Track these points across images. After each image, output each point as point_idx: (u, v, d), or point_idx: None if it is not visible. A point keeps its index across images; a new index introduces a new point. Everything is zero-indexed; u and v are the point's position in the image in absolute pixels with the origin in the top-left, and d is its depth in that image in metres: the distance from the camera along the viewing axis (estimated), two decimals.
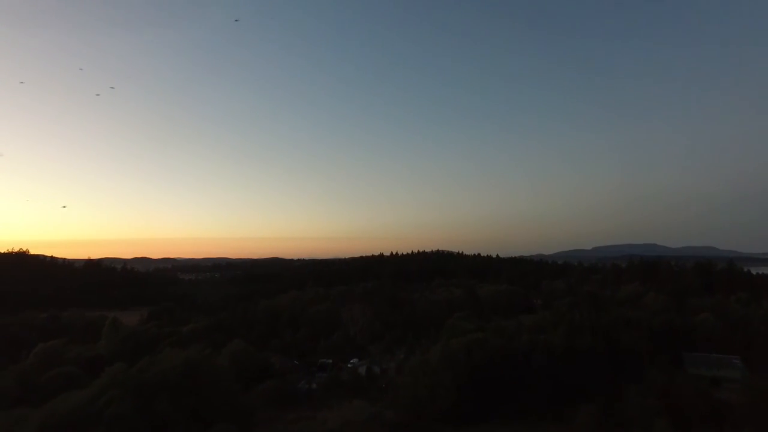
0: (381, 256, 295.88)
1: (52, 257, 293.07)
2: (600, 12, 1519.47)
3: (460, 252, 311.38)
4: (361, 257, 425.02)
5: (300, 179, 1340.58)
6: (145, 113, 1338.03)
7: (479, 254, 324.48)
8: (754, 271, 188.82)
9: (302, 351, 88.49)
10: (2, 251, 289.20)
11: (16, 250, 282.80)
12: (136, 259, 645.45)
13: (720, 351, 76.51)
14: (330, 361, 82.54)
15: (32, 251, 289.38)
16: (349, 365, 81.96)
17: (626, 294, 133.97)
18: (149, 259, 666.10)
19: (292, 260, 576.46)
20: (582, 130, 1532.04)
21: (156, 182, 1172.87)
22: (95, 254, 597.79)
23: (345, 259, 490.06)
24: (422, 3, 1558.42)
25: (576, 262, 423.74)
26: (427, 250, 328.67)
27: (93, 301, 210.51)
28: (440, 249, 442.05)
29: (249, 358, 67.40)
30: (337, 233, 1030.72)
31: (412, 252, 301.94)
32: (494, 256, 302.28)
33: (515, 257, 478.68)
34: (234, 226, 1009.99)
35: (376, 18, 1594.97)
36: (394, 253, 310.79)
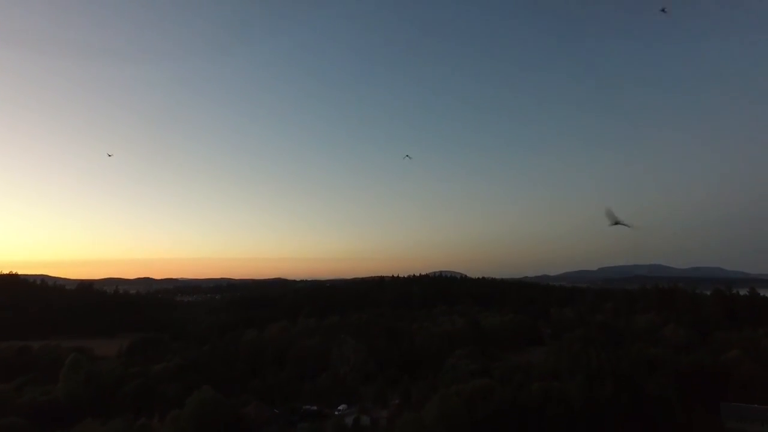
0: (381, 279, 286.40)
1: (42, 280, 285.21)
2: (613, 30, 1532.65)
3: (464, 275, 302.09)
4: (363, 279, 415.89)
5: (305, 200, 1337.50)
6: (149, 135, 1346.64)
7: (483, 277, 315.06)
8: (761, 293, 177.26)
9: (286, 394, 79.05)
10: None
11: (5, 272, 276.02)
12: (139, 280, 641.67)
13: (761, 399, 66.60)
14: (315, 407, 73.14)
15: (37, 272, 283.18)
16: (336, 413, 72.49)
17: (642, 325, 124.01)
18: (152, 279, 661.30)
19: (294, 281, 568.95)
20: (588, 150, 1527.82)
21: (163, 203, 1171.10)
22: (99, 275, 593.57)
23: (347, 280, 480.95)
24: (420, 17, 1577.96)
25: (583, 285, 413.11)
26: (431, 271, 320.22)
27: (80, 327, 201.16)
28: (444, 270, 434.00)
29: (217, 409, 58.07)
30: (340, 254, 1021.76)
31: (414, 275, 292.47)
32: (498, 278, 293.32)
33: (520, 279, 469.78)
34: (238, 246, 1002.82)
35: (378, 34, 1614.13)
36: (395, 275, 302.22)
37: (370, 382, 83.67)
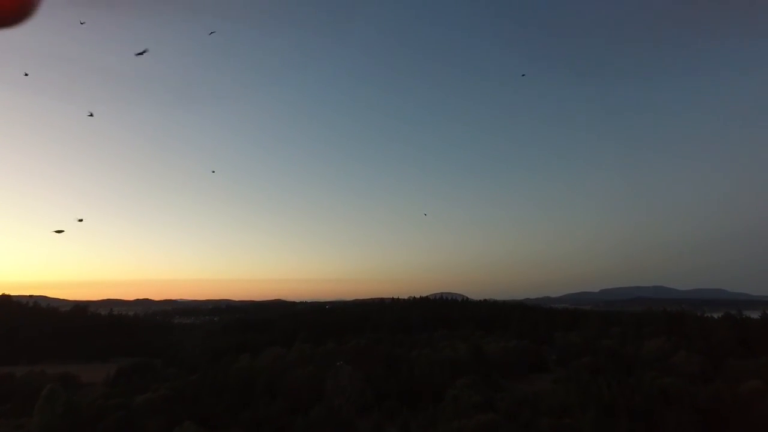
0: (381, 302, 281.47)
1: (35, 301, 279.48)
2: (620, 47, 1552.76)
3: (465, 297, 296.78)
4: (363, 301, 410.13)
5: (306, 220, 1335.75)
6: (147, 155, 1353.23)
7: (485, 299, 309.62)
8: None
9: (277, 427, 74.14)
10: None
11: None
12: (138, 301, 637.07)
13: None
14: None
15: (34, 293, 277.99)
16: None
17: (652, 351, 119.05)
18: (151, 300, 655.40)
19: (294, 302, 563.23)
20: (590, 172, 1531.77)
21: (162, 223, 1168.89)
22: (97, 296, 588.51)
23: (347, 301, 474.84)
24: (423, 35, 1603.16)
25: (586, 306, 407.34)
26: (431, 293, 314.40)
27: (71, 352, 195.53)
28: (445, 291, 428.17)
29: None
30: (341, 275, 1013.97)
31: (414, 297, 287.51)
32: (500, 300, 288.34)
33: (521, 301, 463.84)
34: (238, 267, 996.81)
35: (378, 59, 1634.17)
36: (395, 297, 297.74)
37: (367, 414, 78.84)
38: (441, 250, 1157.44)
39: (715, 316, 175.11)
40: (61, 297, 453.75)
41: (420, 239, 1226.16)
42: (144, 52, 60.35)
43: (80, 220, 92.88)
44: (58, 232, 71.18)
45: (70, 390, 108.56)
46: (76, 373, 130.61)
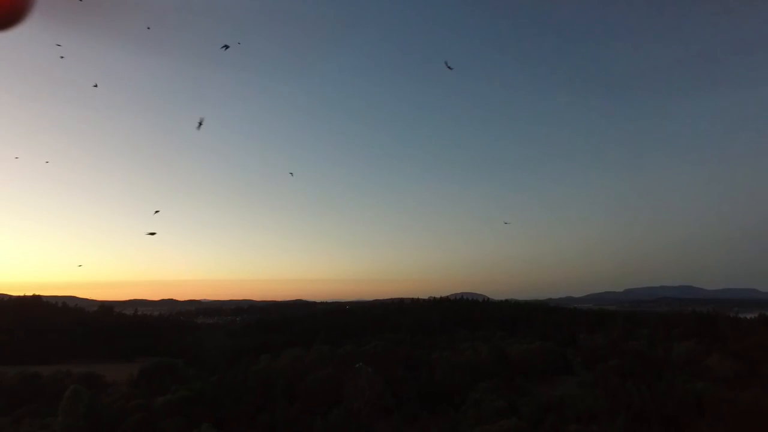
0: (401, 302, 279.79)
1: (64, 302, 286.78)
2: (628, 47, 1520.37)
3: (486, 298, 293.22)
4: (383, 301, 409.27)
5: (326, 220, 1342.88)
6: (172, 159, 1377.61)
7: (507, 300, 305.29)
8: None
9: (294, 431, 73.36)
10: (14, 295, 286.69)
11: (29, 294, 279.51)
12: (163, 301, 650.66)
13: None
14: None
15: (64, 293, 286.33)
16: None
17: (682, 354, 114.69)
18: (176, 300, 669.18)
19: (315, 302, 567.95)
20: (611, 170, 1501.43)
21: (185, 226, 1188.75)
22: (124, 296, 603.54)
23: (367, 301, 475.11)
24: (432, 42, 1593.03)
25: (610, 307, 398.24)
26: (452, 293, 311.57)
27: (97, 351, 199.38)
28: (465, 292, 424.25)
29: None
30: (361, 274, 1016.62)
31: (434, 298, 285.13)
32: (522, 300, 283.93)
33: (543, 301, 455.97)
34: (260, 268, 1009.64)
35: (407, 56, 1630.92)
36: (415, 298, 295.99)
37: (386, 418, 77.39)
38: (461, 249, 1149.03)
39: (749, 317, 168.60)
40: (90, 297, 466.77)
41: (440, 238, 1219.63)
42: (227, 47, 59.49)
43: (156, 212, 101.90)
44: (151, 234, 71.35)
45: (94, 390, 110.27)
46: (101, 373, 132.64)
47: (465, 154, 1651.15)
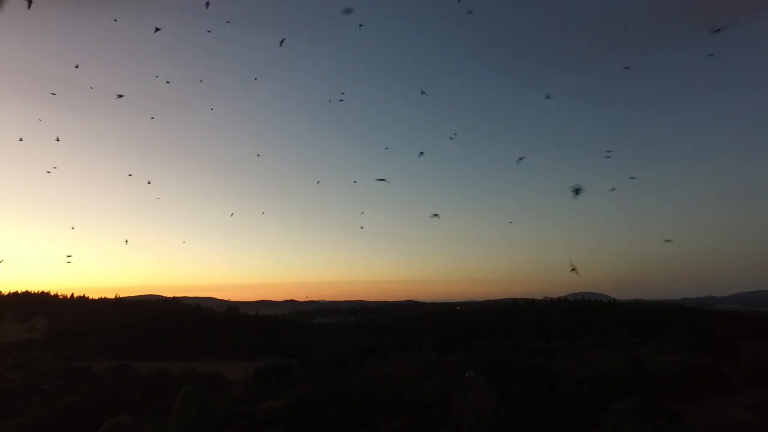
0: (514, 303, 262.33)
1: (197, 303, 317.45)
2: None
3: (611, 298, 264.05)
4: (494, 301, 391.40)
5: (437, 221, 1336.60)
6: (283, 168, 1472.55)
7: (636, 300, 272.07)
8: None
9: None
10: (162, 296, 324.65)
11: (170, 296, 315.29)
12: (285, 302, 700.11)
13: None
14: None
15: (201, 295, 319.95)
16: None
17: None
18: (296, 301, 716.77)
19: (425, 303, 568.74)
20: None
21: (304, 233, 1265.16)
22: (255, 297, 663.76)
23: (478, 302, 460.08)
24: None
25: (765, 308, 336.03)
26: (570, 293, 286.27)
27: (222, 350, 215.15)
28: (586, 291, 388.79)
29: None
30: (473, 275, 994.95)
31: (551, 298, 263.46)
32: (651, 300, 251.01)
33: (678, 301, 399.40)
34: (374, 269, 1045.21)
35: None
36: (530, 298, 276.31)
37: None
38: (580, 245, 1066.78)
39: None
40: (223, 298, 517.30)
41: (557, 234, 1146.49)
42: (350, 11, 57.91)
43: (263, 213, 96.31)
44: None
45: (213, 388, 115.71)
46: (222, 371, 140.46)
47: (588, 143, 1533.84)
